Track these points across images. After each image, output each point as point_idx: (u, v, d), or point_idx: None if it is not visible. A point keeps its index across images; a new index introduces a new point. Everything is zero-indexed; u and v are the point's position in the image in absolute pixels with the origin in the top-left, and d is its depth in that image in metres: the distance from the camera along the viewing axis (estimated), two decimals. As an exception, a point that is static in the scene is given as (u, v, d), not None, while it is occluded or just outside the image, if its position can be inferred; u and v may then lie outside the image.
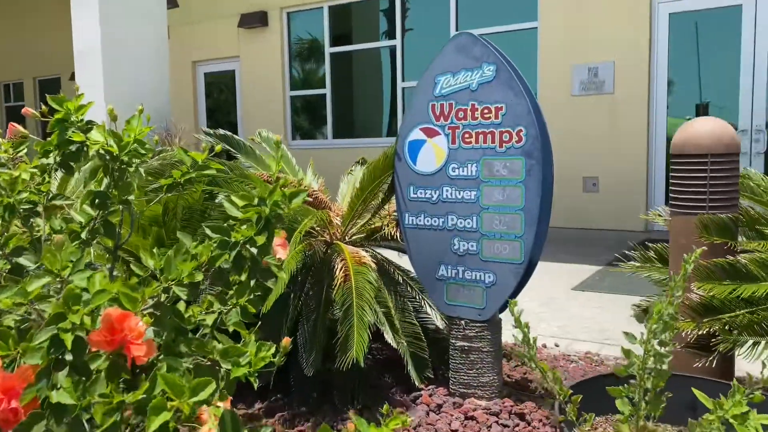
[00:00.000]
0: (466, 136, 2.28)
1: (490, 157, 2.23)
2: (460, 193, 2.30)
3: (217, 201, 2.81)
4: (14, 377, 0.95)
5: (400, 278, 2.72)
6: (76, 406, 0.93)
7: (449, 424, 2.16)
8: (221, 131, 3.02)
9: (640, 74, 6.63)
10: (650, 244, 2.18)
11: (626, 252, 2.27)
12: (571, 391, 1.21)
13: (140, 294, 1.11)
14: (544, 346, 3.16)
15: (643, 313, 2.19)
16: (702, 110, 6.80)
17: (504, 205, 2.22)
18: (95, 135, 1.41)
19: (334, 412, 2.28)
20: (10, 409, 0.93)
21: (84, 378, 0.99)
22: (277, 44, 9.38)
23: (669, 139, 6.67)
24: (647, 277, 2.12)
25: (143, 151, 1.45)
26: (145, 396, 0.95)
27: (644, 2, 6.56)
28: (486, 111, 2.24)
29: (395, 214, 2.71)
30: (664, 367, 1.20)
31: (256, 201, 1.35)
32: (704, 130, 1.78)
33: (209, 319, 1.35)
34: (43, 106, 1.67)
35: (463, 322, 2.34)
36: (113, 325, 1.01)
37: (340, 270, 2.31)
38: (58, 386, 0.94)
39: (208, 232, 1.30)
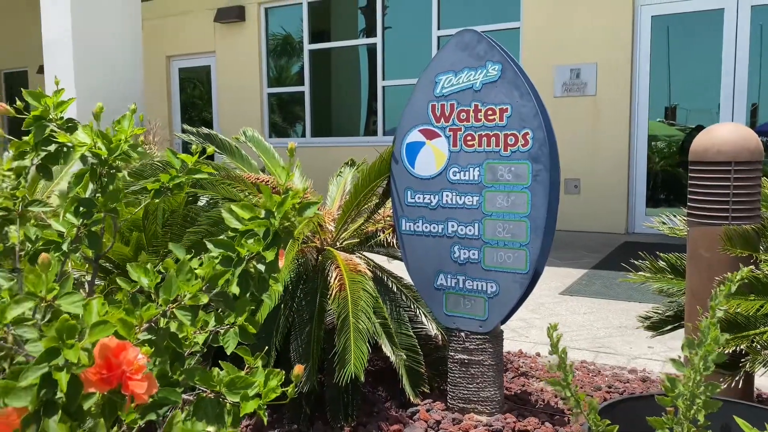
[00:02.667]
0: (469, 138, 2.18)
1: (494, 160, 2.13)
2: (461, 199, 2.20)
3: (201, 204, 2.66)
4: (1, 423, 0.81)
5: (394, 286, 2.60)
6: (67, 457, 0.80)
7: (451, 442, 2.06)
8: (204, 130, 2.87)
9: (623, 76, 6.63)
10: (661, 254, 2.11)
11: (635, 261, 2.20)
12: (608, 422, 1.11)
13: (137, 319, 0.98)
14: (538, 354, 3.08)
15: (652, 326, 2.12)
16: (671, 113, 6.84)
17: (508, 212, 2.12)
18: (81, 136, 1.27)
19: (326, 430, 2.16)
20: (-12, 462, 0.79)
21: (78, 423, 0.85)
22: (254, 40, 9.18)
23: (650, 141, 6.70)
24: (657, 288, 2.05)
25: (135, 155, 1.31)
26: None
27: (627, 4, 6.56)
28: (490, 112, 2.14)
29: (389, 218, 2.60)
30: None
31: (263, 212, 1.22)
32: (728, 136, 1.71)
33: (200, 339, 1.22)
34: (18, 101, 1.52)
35: (463, 334, 2.23)
36: (110, 359, 0.88)
37: (335, 279, 2.19)
38: (47, 433, 0.80)
39: (210, 246, 1.17)
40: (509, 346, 3.17)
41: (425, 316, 2.58)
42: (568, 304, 4.02)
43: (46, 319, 0.98)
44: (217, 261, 1.17)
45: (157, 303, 1.03)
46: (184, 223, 2.46)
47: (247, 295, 1.23)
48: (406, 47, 8.34)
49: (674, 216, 2.40)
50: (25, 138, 1.44)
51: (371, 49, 8.55)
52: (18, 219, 1.42)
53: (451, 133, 2.21)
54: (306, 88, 9.03)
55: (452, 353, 2.26)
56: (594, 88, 6.75)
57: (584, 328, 3.51)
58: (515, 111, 2.10)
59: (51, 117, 1.39)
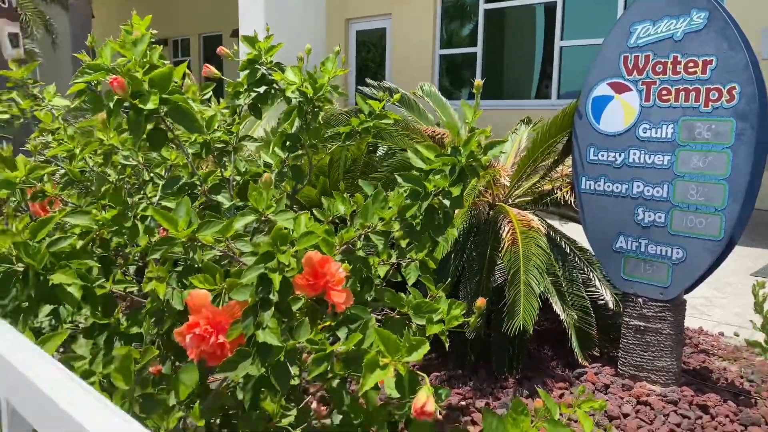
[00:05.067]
0: (664, 92, 2.03)
1: (692, 117, 1.97)
2: (650, 158, 2.07)
3: (378, 154, 2.78)
4: (222, 313, 0.94)
5: (567, 247, 2.54)
6: (282, 348, 0.91)
7: (619, 407, 1.99)
8: (385, 83, 2.97)
9: None
10: None
11: None
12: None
13: (338, 239, 1.07)
14: (721, 334, 2.84)
15: None
16: None
17: (704, 173, 1.96)
18: (290, 76, 1.39)
19: (490, 379, 2.20)
20: (218, 344, 0.93)
21: (286, 320, 0.96)
22: (429, 1, 9.20)
23: None
24: None
25: (336, 95, 1.41)
26: (354, 348, 0.90)
27: None
28: (691, 64, 1.97)
29: (566, 177, 2.52)
30: None
31: (449, 150, 1.26)
32: None
33: (381, 271, 1.30)
34: (235, 46, 1.68)
35: (640, 299, 2.13)
36: (316, 269, 0.97)
37: (507, 233, 2.19)
38: (264, 326, 0.92)
39: (399, 180, 1.23)
40: (687, 322, 2.95)
41: (599, 281, 2.49)
42: (761, 287, 3.63)
43: (264, 233, 1.11)
44: (405, 195, 1.23)
45: (355, 227, 1.11)
46: (364, 170, 2.59)
47: (429, 231, 1.28)
48: (588, 5, 7.85)
49: None
50: (239, 79, 1.60)
51: (549, 8, 8.17)
52: (233, 151, 1.59)
53: (644, 86, 2.07)
54: (478, 49, 8.90)
55: (627, 319, 2.17)
56: (812, 48, 5.87)
57: (779, 313, 3.15)
58: (721, 63, 1.91)
59: (262, 61, 1.53)
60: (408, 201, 1.22)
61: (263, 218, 1.05)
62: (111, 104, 1.07)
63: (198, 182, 1.27)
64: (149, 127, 1.15)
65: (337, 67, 1.42)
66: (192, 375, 1.01)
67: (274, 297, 0.94)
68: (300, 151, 1.46)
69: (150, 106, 1.06)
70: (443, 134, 2.53)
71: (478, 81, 1.26)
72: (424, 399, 0.80)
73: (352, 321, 1.14)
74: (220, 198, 1.25)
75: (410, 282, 1.35)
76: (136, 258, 1.45)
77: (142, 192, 1.48)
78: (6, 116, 1.47)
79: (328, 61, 1.41)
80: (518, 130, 3.03)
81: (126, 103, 1.14)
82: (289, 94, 1.37)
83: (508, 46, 9.11)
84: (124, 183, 1.57)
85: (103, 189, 1.49)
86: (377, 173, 2.32)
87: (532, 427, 1.00)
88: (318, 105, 1.41)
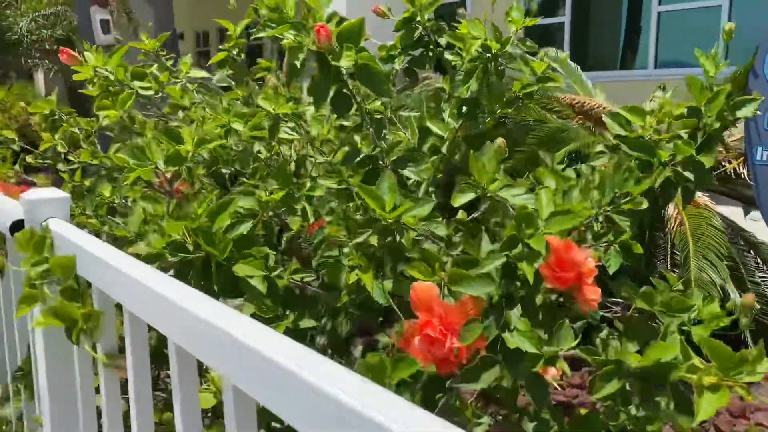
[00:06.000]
0: None
1: None
2: None
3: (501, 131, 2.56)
4: (455, 310, 0.76)
5: (729, 228, 2.25)
6: (539, 357, 0.72)
7: (817, 413, 1.72)
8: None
9: None
10: None
11: None
12: None
13: (578, 220, 0.87)
14: None
15: None
16: None
17: None
18: (473, 30, 1.19)
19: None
20: (451, 349, 0.75)
21: (530, 320, 0.78)
22: (514, -31, 8.78)
23: None
24: None
25: (523, 49, 1.20)
26: (655, 362, 0.70)
27: None
28: None
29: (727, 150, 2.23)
30: None
31: (685, 111, 1.03)
32: None
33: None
34: (388, 7, 1.51)
35: (834, 287, 1.83)
36: (562, 257, 0.78)
37: (674, 213, 1.94)
38: (512, 327, 0.73)
39: (625, 148, 1.02)
40: None
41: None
42: None
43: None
44: (629, 164, 1.02)
45: (591, 203, 0.91)
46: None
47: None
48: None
49: None
50: (392, 42, 1.43)
51: (645, -30, 7.62)
52: (387, 122, 1.42)
53: None
54: (566, 18, 8.43)
55: (815, 310, 1.88)
56: None
57: None
58: None
59: (419, 20, 1.35)
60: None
61: (486, 195, 0.86)
62: (297, 62, 0.91)
63: (379, 155, 1.10)
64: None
65: (523, 18, 1.21)
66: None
67: (518, 291, 0.75)
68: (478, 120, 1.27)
69: (344, 63, 0.89)
70: (584, 103, 2.29)
71: (730, 25, 1.03)
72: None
73: (578, 319, 0.95)
74: (406, 172, 1.08)
75: (611, 270, 1.13)
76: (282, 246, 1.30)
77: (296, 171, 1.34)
78: (150, 92, 1.34)
79: (513, 10, 1.20)
80: (656, 96, 2.72)
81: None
82: (473, 48, 1.17)
83: (598, 13, 8.61)
84: (272, 162, 1.43)
85: (252, 167, 1.35)
86: (522, 148, 2.10)
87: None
88: (502, 63, 1.22)
